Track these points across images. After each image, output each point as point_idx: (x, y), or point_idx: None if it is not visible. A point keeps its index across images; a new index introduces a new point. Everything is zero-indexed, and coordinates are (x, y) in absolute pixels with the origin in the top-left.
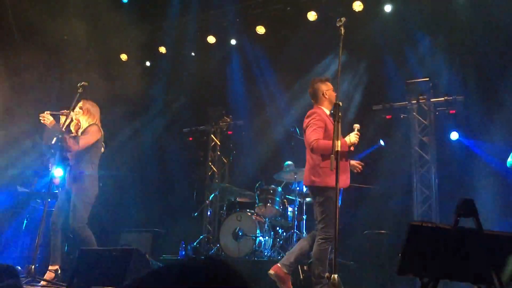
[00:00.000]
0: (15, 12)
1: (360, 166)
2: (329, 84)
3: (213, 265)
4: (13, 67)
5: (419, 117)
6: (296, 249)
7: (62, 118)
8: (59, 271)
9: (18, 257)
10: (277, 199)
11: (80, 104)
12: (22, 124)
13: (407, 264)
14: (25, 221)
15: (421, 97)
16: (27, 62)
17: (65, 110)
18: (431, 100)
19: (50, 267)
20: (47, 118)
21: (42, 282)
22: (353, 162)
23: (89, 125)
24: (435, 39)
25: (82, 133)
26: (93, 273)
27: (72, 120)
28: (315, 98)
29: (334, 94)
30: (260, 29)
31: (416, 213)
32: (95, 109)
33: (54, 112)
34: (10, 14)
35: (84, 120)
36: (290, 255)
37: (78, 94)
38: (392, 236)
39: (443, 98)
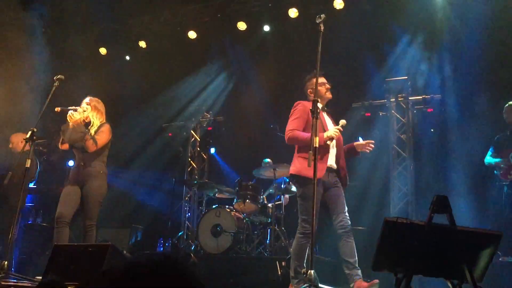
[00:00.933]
0: None
1: (371, 145)
2: (314, 80)
3: (163, 266)
4: None
5: (397, 115)
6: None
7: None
8: None
9: None
10: (256, 195)
11: (86, 100)
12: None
13: (382, 259)
14: None
15: (399, 95)
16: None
17: (74, 106)
18: (410, 98)
19: None
20: (75, 115)
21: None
22: (361, 141)
23: (102, 124)
24: (414, 38)
25: (96, 132)
26: (67, 269)
27: (82, 117)
28: (304, 93)
29: (321, 89)
30: (241, 25)
31: (393, 209)
32: (101, 106)
33: (64, 108)
34: None
35: (94, 117)
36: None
37: (54, 87)
38: (369, 232)
39: (420, 97)
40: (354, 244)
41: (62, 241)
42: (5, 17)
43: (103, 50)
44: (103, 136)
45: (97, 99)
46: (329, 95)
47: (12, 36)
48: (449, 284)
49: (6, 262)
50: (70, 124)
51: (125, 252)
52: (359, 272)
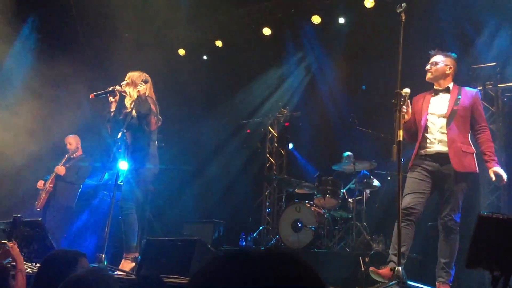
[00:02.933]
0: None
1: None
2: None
3: (285, 260)
4: (78, 66)
5: (486, 104)
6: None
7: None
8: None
9: (87, 246)
10: (336, 190)
11: (128, 75)
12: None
13: (476, 257)
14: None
15: (487, 82)
16: (90, 61)
17: (112, 86)
18: (499, 85)
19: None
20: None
21: (118, 272)
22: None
23: (139, 96)
24: (501, 23)
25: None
26: (159, 262)
27: (125, 96)
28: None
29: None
30: (316, 19)
31: (483, 204)
32: (137, 76)
33: (100, 92)
34: (74, 13)
35: (132, 91)
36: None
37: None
38: (460, 227)
39: (511, 83)
40: (452, 243)
41: None
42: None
43: (181, 52)
44: (155, 110)
45: (132, 71)
46: (427, 77)
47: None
48: None
49: (103, 255)
50: (138, 95)
51: (209, 246)
52: (445, 274)
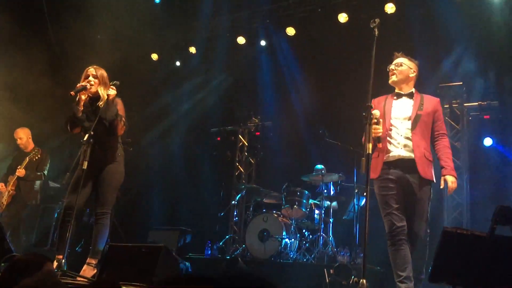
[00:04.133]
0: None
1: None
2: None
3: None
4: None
5: (452, 122)
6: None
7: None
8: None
9: (48, 251)
10: (304, 201)
11: (92, 71)
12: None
13: (440, 271)
14: (55, 216)
15: (454, 101)
16: (61, 61)
17: (82, 84)
18: (465, 104)
19: (59, 257)
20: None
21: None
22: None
23: (116, 101)
24: (469, 44)
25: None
26: (122, 269)
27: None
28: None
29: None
30: (290, 31)
31: (446, 219)
32: (106, 77)
33: (78, 89)
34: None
35: (102, 91)
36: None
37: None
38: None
39: (477, 103)
40: (423, 254)
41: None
42: None
43: (154, 56)
44: (123, 114)
45: (101, 69)
46: (391, 80)
47: None
48: None
49: (63, 260)
50: (108, 98)
51: (174, 254)
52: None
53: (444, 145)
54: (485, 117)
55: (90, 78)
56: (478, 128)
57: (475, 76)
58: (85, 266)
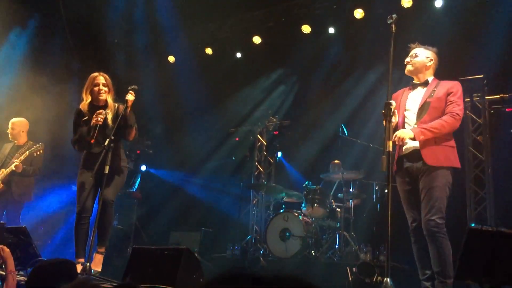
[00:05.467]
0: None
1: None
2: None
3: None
4: (66, 72)
5: (473, 116)
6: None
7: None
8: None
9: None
10: (325, 199)
11: (102, 80)
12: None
13: (466, 269)
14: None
15: (474, 94)
16: (80, 68)
17: (98, 120)
18: (486, 97)
19: (80, 260)
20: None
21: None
22: None
23: (119, 105)
24: (490, 37)
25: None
26: (145, 271)
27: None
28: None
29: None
30: (306, 28)
31: (469, 214)
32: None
33: (93, 132)
34: (64, 19)
35: (111, 99)
36: None
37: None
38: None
39: (498, 96)
40: (438, 249)
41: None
42: None
43: (171, 58)
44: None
45: (106, 75)
46: (406, 70)
47: None
48: None
49: (88, 264)
50: (127, 104)
51: (196, 255)
52: (440, 285)
53: (440, 118)
54: (508, 109)
55: (101, 87)
56: (500, 122)
57: (496, 68)
58: (95, 254)
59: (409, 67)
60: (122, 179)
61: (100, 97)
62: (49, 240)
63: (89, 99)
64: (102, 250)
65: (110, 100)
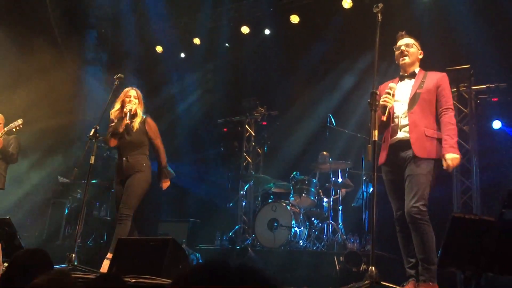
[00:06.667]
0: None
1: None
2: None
3: (246, 275)
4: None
5: (459, 105)
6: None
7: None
8: None
9: (60, 246)
10: (312, 189)
11: (134, 93)
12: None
13: (449, 257)
14: (66, 211)
15: (461, 84)
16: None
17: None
18: (472, 87)
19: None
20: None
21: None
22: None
23: (147, 117)
24: (476, 26)
25: (144, 125)
26: (131, 262)
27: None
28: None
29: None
30: (294, 18)
31: (456, 204)
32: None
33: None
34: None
35: (139, 109)
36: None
37: (114, 86)
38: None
39: (485, 86)
40: (421, 235)
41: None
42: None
43: (159, 48)
44: (157, 130)
45: (137, 89)
46: (403, 61)
47: None
48: None
49: (73, 255)
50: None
51: (183, 245)
52: (425, 271)
53: (446, 121)
54: (494, 99)
55: (132, 99)
56: (486, 111)
57: (482, 59)
58: (105, 261)
59: (406, 60)
60: (141, 190)
61: (128, 106)
62: (37, 232)
63: (118, 106)
64: (110, 256)
65: (139, 111)
